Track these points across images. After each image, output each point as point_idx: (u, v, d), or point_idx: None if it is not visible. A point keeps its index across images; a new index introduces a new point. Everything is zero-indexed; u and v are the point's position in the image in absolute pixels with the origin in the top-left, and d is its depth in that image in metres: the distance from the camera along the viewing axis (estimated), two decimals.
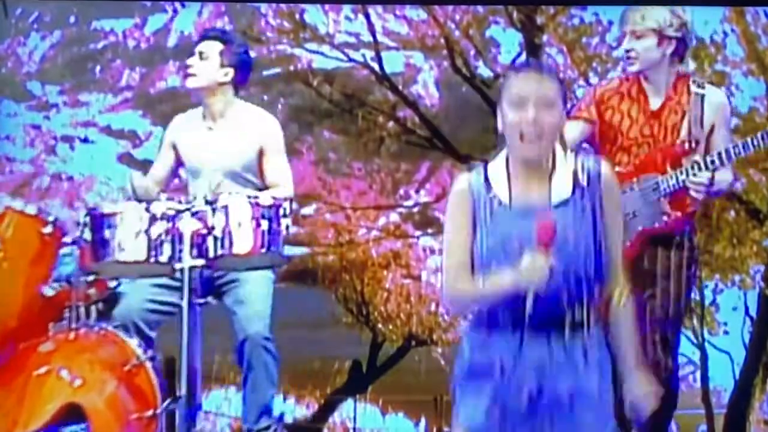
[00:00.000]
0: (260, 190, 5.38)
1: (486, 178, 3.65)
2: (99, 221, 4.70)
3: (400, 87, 9.73)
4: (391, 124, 9.74)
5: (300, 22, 9.49)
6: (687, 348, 9.57)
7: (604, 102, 5.15)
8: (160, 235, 4.63)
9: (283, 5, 9.48)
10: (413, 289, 9.82)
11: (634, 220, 5.04)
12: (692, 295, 5.22)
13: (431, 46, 9.67)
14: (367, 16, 9.55)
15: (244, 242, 4.70)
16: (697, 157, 5.00)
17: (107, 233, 4.67)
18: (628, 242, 4.91)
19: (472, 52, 9.65)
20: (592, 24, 9.50)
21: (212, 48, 5.54)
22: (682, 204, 5.07)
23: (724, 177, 5.08)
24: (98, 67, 9.49)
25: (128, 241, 4.63)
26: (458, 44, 9.63)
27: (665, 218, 5.05)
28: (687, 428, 9.43)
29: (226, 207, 4.68)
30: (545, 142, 3.54)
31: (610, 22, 9.43)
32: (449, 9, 9.55)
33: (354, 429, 9.85)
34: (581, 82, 9.41)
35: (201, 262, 4.67)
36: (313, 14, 9.50)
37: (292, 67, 9.58)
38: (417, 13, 9.57)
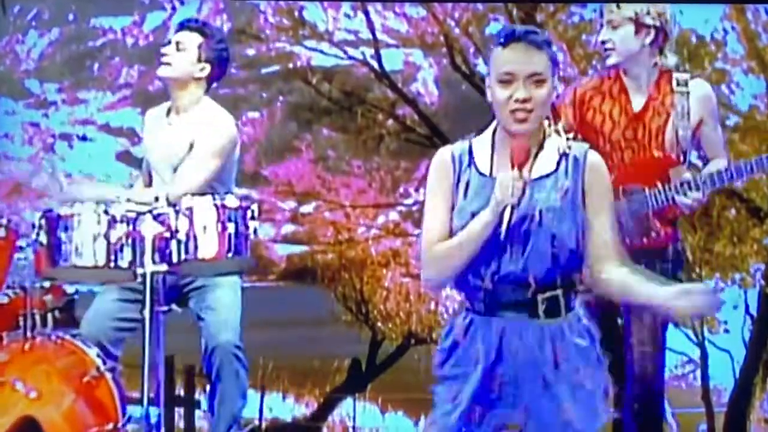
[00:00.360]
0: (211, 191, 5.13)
1: (470, 150, 3.61)
2: (55, 224, 4.45)
3: (400, 85, 9.70)
4: (390, 121, 9.72)
5: (299, 19, 9.46)
6: (687, 346, 9.55)
7: (585, 102, 5.00)
8: (120, 239, 4.39)
9: (282, 2, 9.46)
10: (413, 287, 9.79)
11: (620, 233, 4.93)
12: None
13: (431, 44, 9.65)
14: (367, 14, 9.53)
15: (209, 246, 4.45)
16: (688, 175, 4.88)
17: (64, 236, 4.43)
18: None
19: (472, 50, 9.62)
20: (592, 21, 9.45)
21: (191, 40, 5.30)
22: (669, 216, 4.96)
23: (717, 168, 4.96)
24: (97, 65, 9.47)
25: (86, 245, 4.40)
26: (458, 42, 9.60)
27: (654, 235, 4.93)
28: (687, 427, 9.40)
29: (190, 209, 4.44)
30: (535, 118, 3.50)
31: None
32: (449, 6, 9.52)
33: (353, 428, 9.83)
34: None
35: (164, 267, 4.41)
36: (312, 11, 9.47)
37: (291, 65, 9.55)
38: (416, 11, 9.55)
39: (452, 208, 3.58)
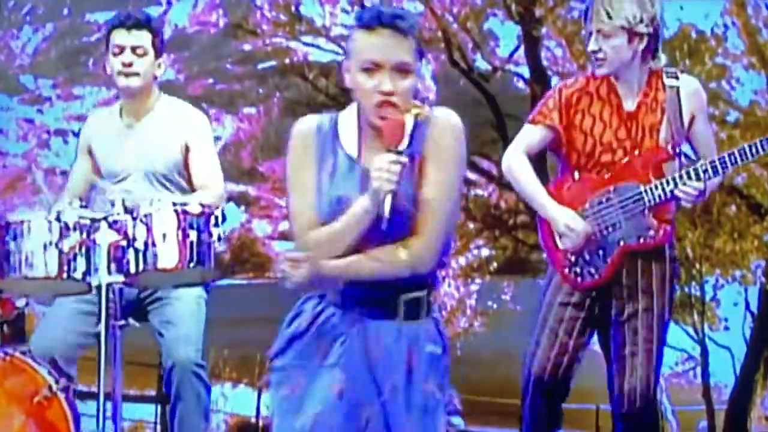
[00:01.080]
0: (190, 192, 4.82)
1: (335, 127, 3.28)
2: (3, 232, 4.10)
3: None
4: None
5: (296, 14, 9.42)
6: (687, 343, 9.52)
7: (572, 105, 4.74)
8: (73, 248, 4.03)
9: None
10: None
11: (614, 234, 4.76)
12: (672, 307, 4.96)
13: (429, 39, 9.60)
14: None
15: (169, 256, 4.08)
16: (688, 165, 4.73)
17: (12, 245, 4.08)
18: (609, 259, 4.71)
19: (470, 45, 9.58)
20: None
21: (145, 40, 4.84)
22: (664, 213, 4.81)
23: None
24: (91, 60, 9.43)
25: (37, 255, 4.06)
26: (456, 37, 9.56)
27: (652, 233, 4.79)
28: (687, 424, 9.36)
29: (148, 216, 4.08)
30: (400, 108, 3.30)
31: None
32: (447, 1, 9.49)
33: None
34: None
35: (120, 278, 4.06)
36: (308, 6, 9.44)
37: (287, 60, 9.51)
38: (414, 6, 9.50)
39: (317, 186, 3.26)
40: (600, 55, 4.55)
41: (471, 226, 9.72)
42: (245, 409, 9.85)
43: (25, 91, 9.45)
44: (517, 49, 9.53)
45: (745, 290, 9.39)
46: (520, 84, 9.60)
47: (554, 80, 9.38)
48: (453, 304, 9.56)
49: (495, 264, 9.79)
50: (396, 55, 3.18)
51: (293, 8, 9.40)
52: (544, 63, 9.51)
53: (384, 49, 3.18)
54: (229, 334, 9.56)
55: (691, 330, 9.44)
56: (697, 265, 9.37)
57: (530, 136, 4.73)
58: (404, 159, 3.09)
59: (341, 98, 9.62)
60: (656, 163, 4.62)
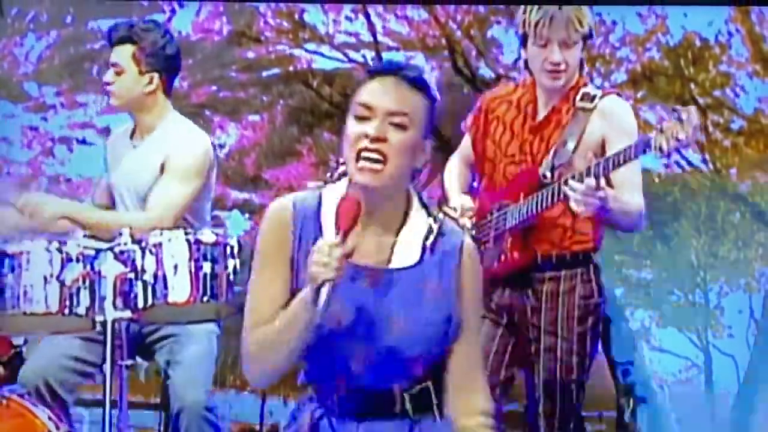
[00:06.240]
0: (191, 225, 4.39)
1: (318, 206, 2.94)
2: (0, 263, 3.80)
3: None
4: None
5: (299, 21, 9.41)
6: (691, 351, 9.48)
7: (491, 110, 4.48)
8: (76, 281, 3.75)
9: (282, 5, 9.40)
10: None
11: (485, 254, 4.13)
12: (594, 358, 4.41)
13: (432, 47, 9.59)
14: (367, 16, 9.48)
15: (181, 289, 3.80)
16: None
17: (10, 278, 3.79)
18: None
19: (474, 53, 9.56)
20: (596, 24, 9.40)
21: (124, 55, 4.52)
22: (530, 237, 4.13)
23: (627, 199, 4.15)
24: (95, 68, 9.41)
25: (36, 289, 3.76)
26: (460, 45, 9.54)
27: (503, 258, 4.16)
28: None
29: (158, 246, 3.81)
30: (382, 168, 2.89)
31: (614, 22, 9.34)
32: (450, 9, 9.47)
33: None
34: None
35: (127, 313, 3.78)
36: (312, 14, 9.42)
37: (291, 68, 9.50)
38: (418, 13, 9.49)
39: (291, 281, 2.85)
40: (562, 68, 4.20)
41: None
42: (249, 416, 9.82)
43: (29, 98, 9.44)
44: (520, 56, 9.52)
45: (750, 298, 9.37)
46: None
47: None
48: None
49: None
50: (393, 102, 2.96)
51: (297, 16, 9.39)
52: None
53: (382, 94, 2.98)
54: (233, 342, 9.51)
55: (695, 338, 9.41)
56: (702, 273, 9.35)
57: (464, 145, 4.54)
58: (349, 248, 2.72)
59: (345, 106, 9.60)
60: (531, 184, 4.21)
